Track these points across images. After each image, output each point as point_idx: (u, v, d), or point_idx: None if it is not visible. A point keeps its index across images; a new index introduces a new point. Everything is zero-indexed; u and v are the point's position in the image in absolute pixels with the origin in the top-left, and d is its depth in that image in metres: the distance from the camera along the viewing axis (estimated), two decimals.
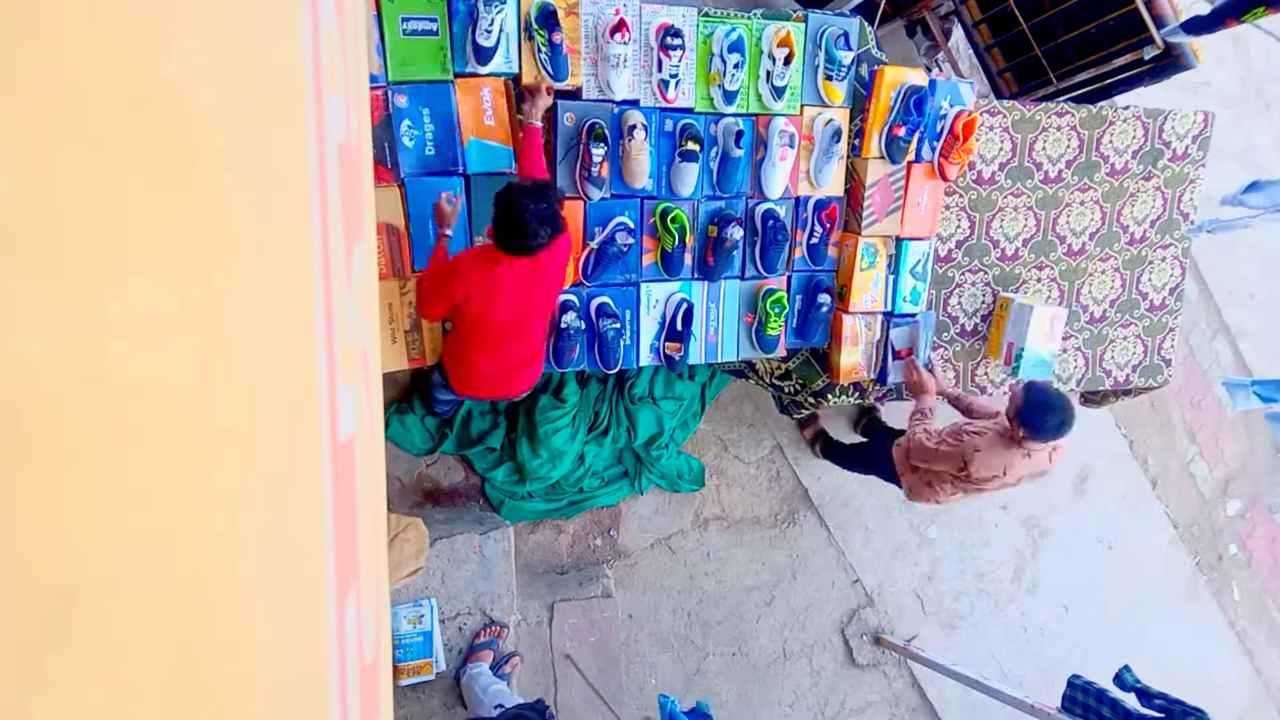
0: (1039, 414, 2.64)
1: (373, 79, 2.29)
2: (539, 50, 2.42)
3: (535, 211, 2.14)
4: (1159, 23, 2.95)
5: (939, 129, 2.90)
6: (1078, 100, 3.43)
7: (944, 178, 2.93)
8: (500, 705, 2.67)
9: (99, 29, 0.49)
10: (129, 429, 0.51)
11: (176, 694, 0.56)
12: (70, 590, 0.45)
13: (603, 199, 2.61)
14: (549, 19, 2.41)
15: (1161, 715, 2.93)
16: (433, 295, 2.34)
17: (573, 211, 2.60)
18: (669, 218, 2.69)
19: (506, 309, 2.36)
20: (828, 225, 2.94)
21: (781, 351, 3.03)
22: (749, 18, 2.67)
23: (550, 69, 2.44)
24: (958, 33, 3.64)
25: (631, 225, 2.67)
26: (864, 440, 3.76)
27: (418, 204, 2.44)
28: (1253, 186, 3.44)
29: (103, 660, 0.48)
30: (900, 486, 3.18)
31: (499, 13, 2.32)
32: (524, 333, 2.48)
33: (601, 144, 2.51)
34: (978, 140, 3.00)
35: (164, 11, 0.59)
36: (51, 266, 0.45)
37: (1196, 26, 2.92)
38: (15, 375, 0.41)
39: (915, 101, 2.78)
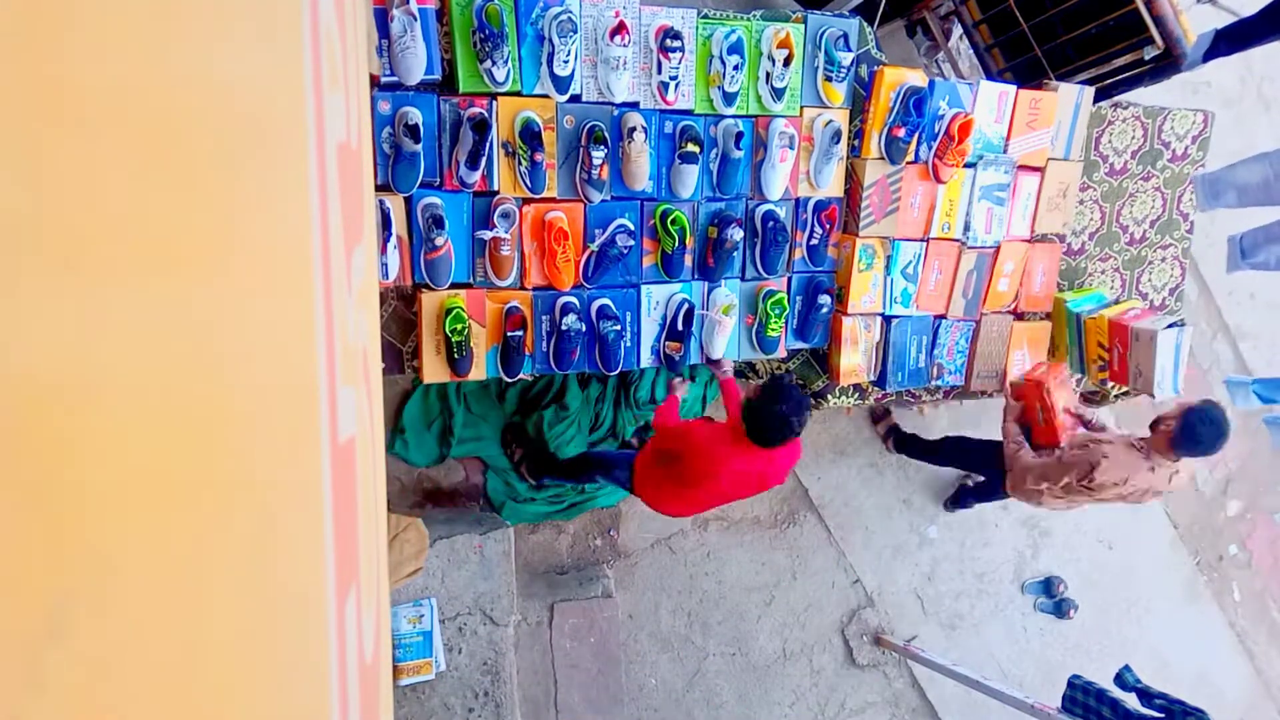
0: (1197, 435, 2.78)
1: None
2: (519, 164, 2.47)
3: (790, 409, 2.44)
4: (1159, 23, 2.95)
5: (936, 130, 2.90)
6: None
7: (938, 179, 2.93)
8: None
9: (99, 30, 0.49)
10: (129, 429, 0.51)
11: (176, 694, 0.56)
12: (70, 590, 0.45)
13: (603, 201, 2.61)
14: (533, 138, 2.44)
15: (1162, 715, 2.93)
16: (664, 440, 2.76)
17: (573, 214, 2.60)
18: (669, 220, 2.69)
19: (721, 486, 2.67)
20: (827, 226, 2.94)
21: (782, 353, 3.03)
22: (748, 19, 2.68)
23: (528, 182, 2.49)
24: (957, 32, 3.65)
25: (632, 227, 2.67)
26: (942, 440, 3.80)
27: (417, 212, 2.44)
28: (1212, 185, 3.47)
29: (102, 660, 0.48)
30: (1002, 486, 3.29)
31: (573, 42, 2.38)
32: (723, 498, 2.79)
33: (601, 146, 2.51)
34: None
35: (164, 12, 0.59)
36: (51, 266, 0.45)
37: (1215, 55, 2.97)
38: (15, 375, 0.41)
39: (915, 102, 2.79)
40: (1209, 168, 3.44)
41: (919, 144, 2.90)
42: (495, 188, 2.51)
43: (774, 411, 2.44)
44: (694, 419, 2.91)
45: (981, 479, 3.92)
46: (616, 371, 2.78)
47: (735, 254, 2.80)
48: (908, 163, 2.91)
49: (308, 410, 0.83)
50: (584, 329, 2.68)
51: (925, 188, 2.97)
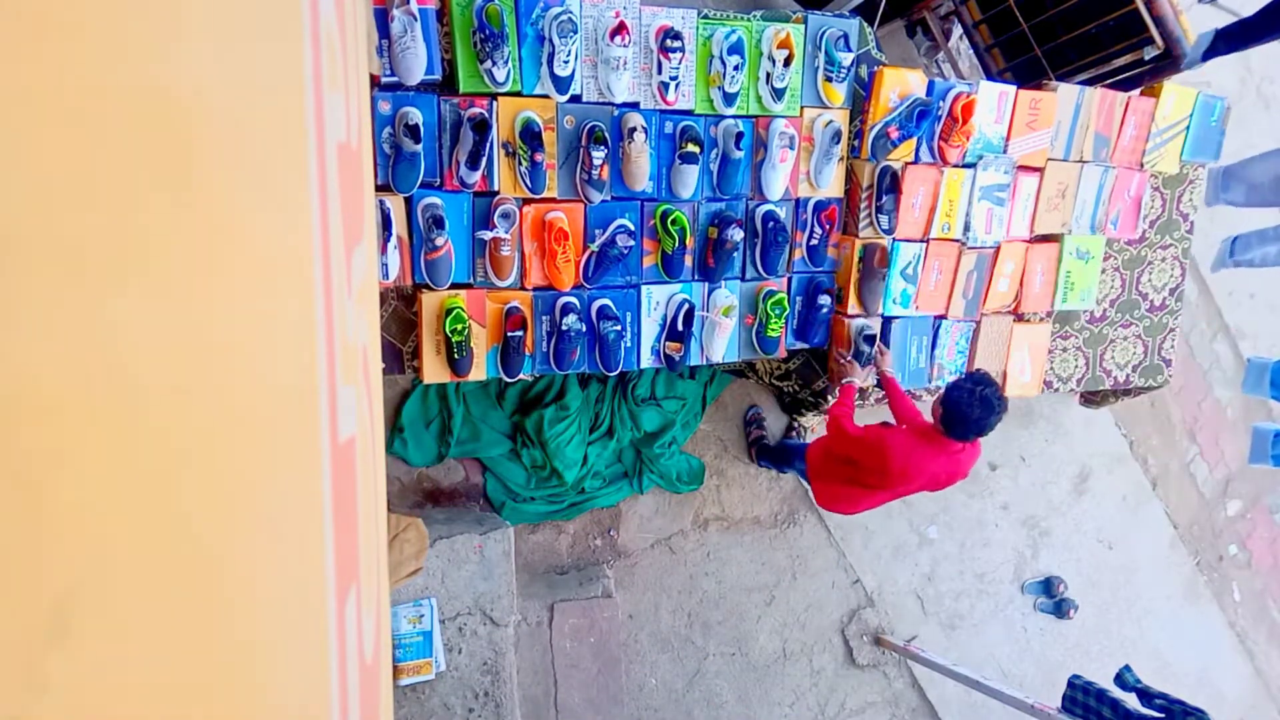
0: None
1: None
2: (519, 165, 2.47)
3: (991, 394, 2.51)
4: (1159, 23, 2.96)
5: (938, 113, 2.89)
6: None
7: (944, 161, 2.93)
8: None
9: (100, 30, 0.49)
10: (129, 429, 0.51)
11: (177, 694, 0.56)
12: (70, 590, 0.45)
13: (603, 201, 2.61)
14: (534, 138, 2.44)
15: (1162, 715, 2.93)
16: (840, 441, 2.80)
17: (574, 214, 2.60)
18: (669, 220, 2.69)
19: (913, 488, 2.78)
20: (827, 226, 2.94)
21: (782, 353, 3.03)
22: (749, 19, 2.68)
23: (528, 182, 2.49)
24: (957, 32, 3.65)
25: (632, 228, 2.67)
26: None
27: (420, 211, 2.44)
28: (1225, 177, 3.45)
29: (103, 661, 0.48)
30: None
31: (573, 43, 2.38)
32: (906, 491, 2.84)
33: (602, 147, 2.51)
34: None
35: (165, 12, 0.59)
36: (52, 267, 0.45)
37: (1214, 54, 2.97)
38: (15, 375, 0.41)
39: (919, 114, 2.78)
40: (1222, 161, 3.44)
41: (918, 146, 2.90)
42: (495, 188, 2.51)
43: (980, 395, 2.50)
44: (874, 426, 2.82)
45: None
46: (616, 372, 2.78)
47: (735, 254, 2.80)
48: (907, 163, 2.91)
49: (308, 410, 0.83)
50: (584, 329, 2.68)
51: (926, 188, 2.96)
